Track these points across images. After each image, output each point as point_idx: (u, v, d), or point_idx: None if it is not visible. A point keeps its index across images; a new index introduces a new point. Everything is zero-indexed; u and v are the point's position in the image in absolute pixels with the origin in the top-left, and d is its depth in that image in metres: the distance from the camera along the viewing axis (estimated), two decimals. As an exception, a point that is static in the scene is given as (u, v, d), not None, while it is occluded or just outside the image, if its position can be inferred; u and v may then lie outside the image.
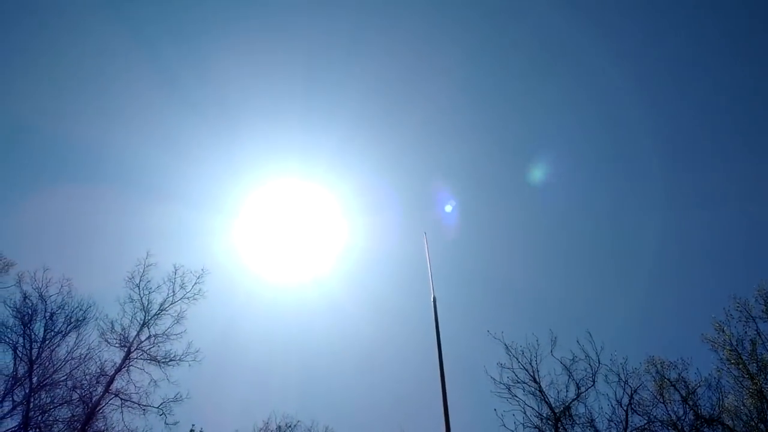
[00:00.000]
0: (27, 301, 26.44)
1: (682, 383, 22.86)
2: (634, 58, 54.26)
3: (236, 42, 51.24)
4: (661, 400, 22.82)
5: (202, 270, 29.16)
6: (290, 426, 29.40)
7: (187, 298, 28.41)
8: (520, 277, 52.75)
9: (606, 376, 23.17)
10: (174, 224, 49.93)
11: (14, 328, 25.67)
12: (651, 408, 22.71)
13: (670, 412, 22.48)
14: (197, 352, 27.12)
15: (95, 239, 47.99)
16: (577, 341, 23.71)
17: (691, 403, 22.36)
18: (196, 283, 28.73)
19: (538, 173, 51.58)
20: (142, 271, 28.19)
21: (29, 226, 45.20)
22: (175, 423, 25.58)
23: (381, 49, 53.83)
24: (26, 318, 26.07)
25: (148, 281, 28.22)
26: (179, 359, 26.82)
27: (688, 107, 55.65)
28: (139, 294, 27.75)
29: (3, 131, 45.20)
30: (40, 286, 26.79)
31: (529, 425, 22.43)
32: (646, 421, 22.35)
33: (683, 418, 22.17)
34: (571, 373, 23.37)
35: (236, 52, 51.36)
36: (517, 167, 57.28)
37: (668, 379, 23.08)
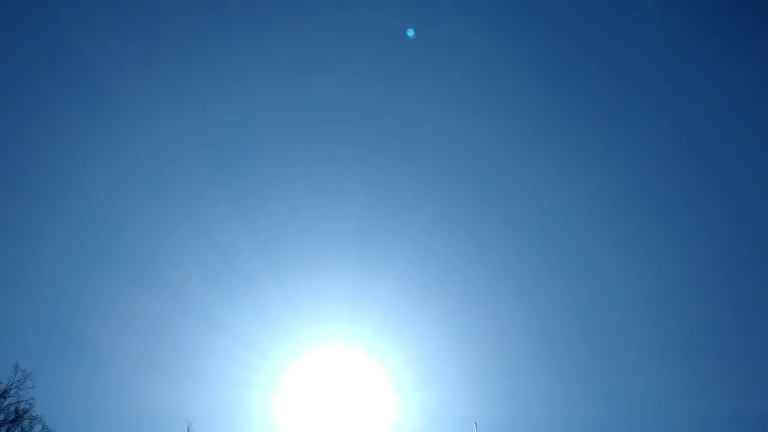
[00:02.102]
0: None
1: None
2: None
3: (279, 206, 52.10)
4: None
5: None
6: None
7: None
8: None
9: None
10: (212, 404, 47.68)
11: None
12: None
13: None
14: None
15: (134, 421, 45.92)
16: None
17: None
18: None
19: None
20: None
21: (75, 406, 43.84)
22: None
23: (432, 211, 52.88)
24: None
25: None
26: None
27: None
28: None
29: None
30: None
31: None
32: None
33: None
34: None
35: (278, 216, 51.99)
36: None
37: None
